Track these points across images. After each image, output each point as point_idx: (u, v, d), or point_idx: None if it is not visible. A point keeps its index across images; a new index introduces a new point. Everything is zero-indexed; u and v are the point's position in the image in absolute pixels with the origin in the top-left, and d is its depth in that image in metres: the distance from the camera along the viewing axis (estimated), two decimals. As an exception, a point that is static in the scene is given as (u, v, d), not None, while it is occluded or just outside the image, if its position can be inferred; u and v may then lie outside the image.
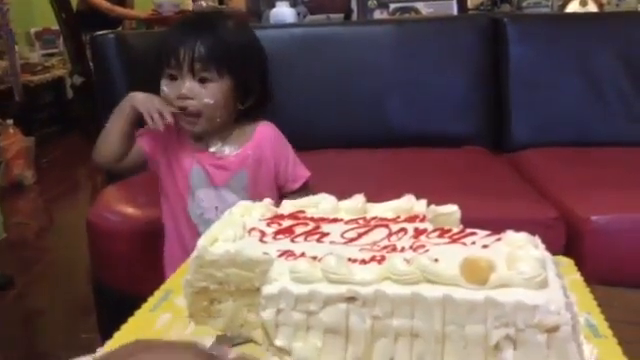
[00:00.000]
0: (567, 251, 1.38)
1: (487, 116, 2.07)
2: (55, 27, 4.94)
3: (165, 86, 1.15)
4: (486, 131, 2.06)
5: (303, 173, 1.25)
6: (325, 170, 1.76)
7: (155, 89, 1.18)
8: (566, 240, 1.43)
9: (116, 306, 1.60)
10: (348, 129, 2.06)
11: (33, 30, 5.20)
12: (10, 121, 3.64)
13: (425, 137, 2.03)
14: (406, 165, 1.84)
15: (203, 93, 1.13)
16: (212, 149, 1.19)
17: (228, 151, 1.19)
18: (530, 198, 1.59)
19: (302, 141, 1.90)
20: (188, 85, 1.13)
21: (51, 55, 5.22)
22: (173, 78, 1.14)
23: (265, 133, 1.23)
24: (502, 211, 1.41)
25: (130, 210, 1.52)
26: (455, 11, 2.66)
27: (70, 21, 4.45)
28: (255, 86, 1.18)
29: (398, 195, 0.80)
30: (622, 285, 0.89)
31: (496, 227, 0.70)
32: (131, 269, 1.55)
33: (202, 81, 1.13)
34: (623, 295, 0.82)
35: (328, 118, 2.06)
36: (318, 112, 2.04)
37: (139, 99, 1.13)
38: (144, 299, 0.75)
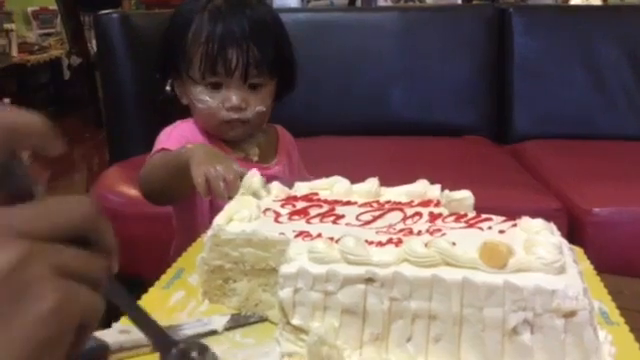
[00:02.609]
0: (569, 242, 1.40)
1: (490, 106, 2.08)
2: (53, 6, 4.90)
3: (207, 97, 0.99)
4: (489, 121, 2.07)
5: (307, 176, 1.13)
6: (327, 156, 1.76)
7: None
8: (568, 231, 1.44)
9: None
10: (350, 116, 2.07)
11: (30, 9, 5.16)
12: (7, 100, 3.62)
13: (427, 126, 2.04)
14: (407, 153, 1.85)
15: (255, 100, 1.00)
16: (255, 158, 1.05)
17: (270, 160, 1.08)
18: (532, 189, 1.59)
19: (303, 127, 1.90)
20: (240, 94, 0.98)
21: (48, 35, 5.18)
22: (216, 86, 0.99)
23: (288, 139, 1.14)
24: (504, 201, 1.41)
25: (133, 191, 1.52)
26: (459, 0, 2.65)
27: (68, 0, 4.42)
28: (294, 81, 1.06)
29: (400, 183, 0.80)
30: (623, 276, 0.90)
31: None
32: (133, 250, 1.54)
33: (252, 87, 1.00)
34: (633, 284, 0.82)
35: (330, 104, 2.06)
36: (320, 98, 2.04)
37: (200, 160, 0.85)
38: (145, 280, 0.74)
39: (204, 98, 0.99)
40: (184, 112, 1.07)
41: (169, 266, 0.77)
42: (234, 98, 0.98)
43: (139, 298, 0.70)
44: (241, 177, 0.80)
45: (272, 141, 1.11)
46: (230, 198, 0.78)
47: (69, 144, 3.96)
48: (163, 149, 0.98)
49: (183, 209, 1.04)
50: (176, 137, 1.00)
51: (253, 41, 0.97)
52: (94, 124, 4.53)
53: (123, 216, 1.52)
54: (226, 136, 1.02)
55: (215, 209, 0.93)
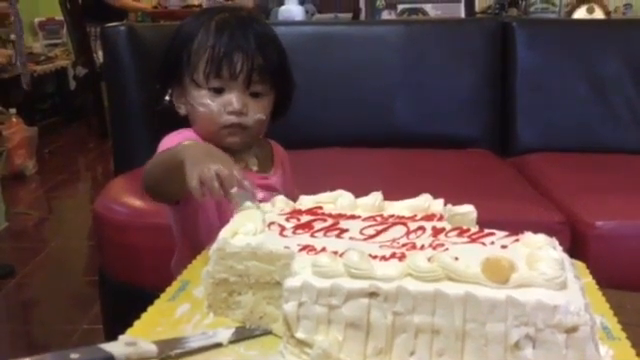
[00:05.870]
0: (571, 256, 1.40)
1: (493, 119, 2.08)
2: (59, 17, 4.95)
3: (209, 100, 1.01)
4: (492, 134, 2.08)
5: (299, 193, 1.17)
6: (330, 168, 1.77)
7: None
8: (570, 245, 1.45)
9: (120, 297, 1.62)
10: (354, 128, 2.08)
11: (37, 20, 5.21)
12: (13, 110, 3.64)
13: (430, 138, 2.04)
14: (411, 166, 1.85)
15: (255, 107, 1.02)
16: (254, 168, 1.08)
17: (268, 170, 1.10)
18: (535, 202, 1.60)
19: (306, 138, 1.92)
20: (242, 99, 1.00)
21: (54, 45, 5.22)
22: (218, 92, 1.01)
23: (282, 153, 1.16)
24: (507, 214, 1.42)
25: (138, 202, 1.53)
26: (462, 14, 2.67)
27: (75, 12, 4.46)
28: (290, 99, 1.09)
29: (403, 196, 0.81)
30: (626, 290, 0.90)
31: (501, 230, 0.70)
32: (136, 261, 1.55)
33: (254, 95, 1.02)
34: (635, 298, 0.83)
35: (334, 116, 2.07)
36: (324, 110, 2.05)
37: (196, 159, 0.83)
38: (148, 291, 0.75)
39: (206, 102, 1.01)
40: (182, 124, 1.08)
41: (174, 279, 0.78)
42: (235, 102, 1.00)
43: (144, 309, 0.70)
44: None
45: (268, 153, 1.14)
46: (227, 194, 0.78)
47: (74, 153, 3.94)
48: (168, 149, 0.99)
49: (186, 216, 1.04)
50: (180, 140, 1.01)
51: (258, 50, 1.01)
52: (98, 134, 4.56)
53: (128, 227, 1.53)
54: (225, 142, 1.03)
55: (222, 214, 0.95)
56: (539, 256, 0.60)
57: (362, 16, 2.72)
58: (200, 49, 1.01)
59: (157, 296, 0.73)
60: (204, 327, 0.67)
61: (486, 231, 0.69)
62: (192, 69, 1.02)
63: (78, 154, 4.37)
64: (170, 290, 0.75)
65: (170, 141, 1.02)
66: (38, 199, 3.45)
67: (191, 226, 1.03)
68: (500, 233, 0.69)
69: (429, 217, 0.75)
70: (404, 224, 0.73)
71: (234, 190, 0.79)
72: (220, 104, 1.01)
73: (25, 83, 3.15)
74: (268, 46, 1.02)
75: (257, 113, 1.02)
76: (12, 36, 4.45)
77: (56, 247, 2.70)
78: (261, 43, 1.01)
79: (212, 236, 0.74)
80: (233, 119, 1.01)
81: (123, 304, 1.35)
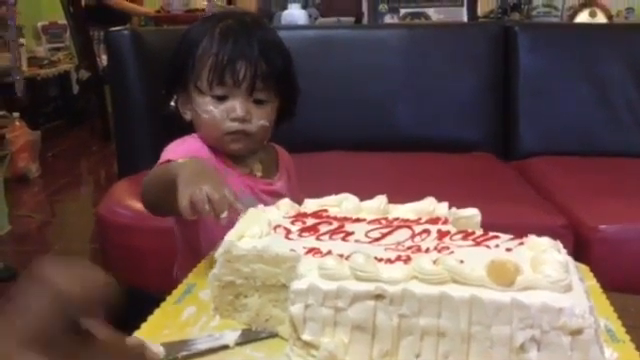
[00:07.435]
0: (575, 259, 1.40)
1: (496, 123, 2.09)
2: (62, 21, 4.96)
3: (212, 107, 1.01)
4: (494, 138, 2.08)
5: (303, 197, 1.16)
6: (333, 172, 1.78)
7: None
8: (574, 248, 1.45)
9: (123, 300, 1.62)
10: (356, 132, 2.08)
11: (40, 24, 5.22)
12: (16, 114, 3.65)
13: (433, 142, 2.05)
14: (413, 169, 1.86)
15: (259, 114, 1.02)
16: (258, 174, 1.08)
17: (272, 176, 1.10)
18: (538, 205, 1.60)
19: (309, 142, 1.93)
20: (245, 106, 1.00)
21: (57, 49, 5.23)
22: (222, 99, 1.01)
23: (287, 158, 1.16)
24: (510, 217, 1.42)
25: (141, 205, 1.52)
26: (465, 18, 2.68)
27: (78, 15, 4.47)
28: (294, 107, 1.10)
29: (407, 199, 0.81)
30: (629, 293, 0.90)
31: (504, 233, 0.71)
32: (140, 264, 1.56)
33: (257, 102, 1.02)
34: (639, 301, 0.83)
35: (336, 120, 2.08)
36: (326, 114, 2.05)
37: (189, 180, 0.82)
38: (152, 294, 0.75)
39: (209, 108, 1.01)
40: (187, 129, 1.09)
41: (178, 283, 0.78)
42: (239, 109, 1.00)
43: (147, 313, 0.71)
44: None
45: (273, 158, 1.14)
46: (217, 217, 0.77)
47: (77, 157, 3.92)
48: (168, 161, 0.99)
49: (187, 225, 1.04)
50: (182, 152, 1.01)
51: (262, 57, 1.00)
52: (101, 137, 4.56)
53: (131, 230, 1.54)
54: (229, 149, 1.04)
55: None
56: (544, 259, 0.61)
57: (365, 20, 2.73)
58: (204, 56, 1.01)
59: (160, 299, 0.74)
60: (210, 329, 0.68)
61: (491, 234, 0.70)
62: (196, 76, 1.02)
63: (81, 157, 4.38)
64: (176, 293, 0.75)
65: (173, 150, 1.03)
66: (41, 202, 3.45)
67: (192, 234, 1.03)
68: (505, 236, 0.69)
69: (434, 220, 0.75)
70: (409, 227, 0.73)
71: (224, 215, 0.78)
72: (223, 111, 1.01)
73: (19, 90, 3.12)
74: (272, 52, 1.02)
75: (260, 120, 1.02)
76: (14, 40, 4.46)
77: (59, 250, 2.70)
78: (265, 49, 1.01)
79: (212, 245, 0.73)
80: (236, 126, 1.01)
81: (128, 307, 1.35)
